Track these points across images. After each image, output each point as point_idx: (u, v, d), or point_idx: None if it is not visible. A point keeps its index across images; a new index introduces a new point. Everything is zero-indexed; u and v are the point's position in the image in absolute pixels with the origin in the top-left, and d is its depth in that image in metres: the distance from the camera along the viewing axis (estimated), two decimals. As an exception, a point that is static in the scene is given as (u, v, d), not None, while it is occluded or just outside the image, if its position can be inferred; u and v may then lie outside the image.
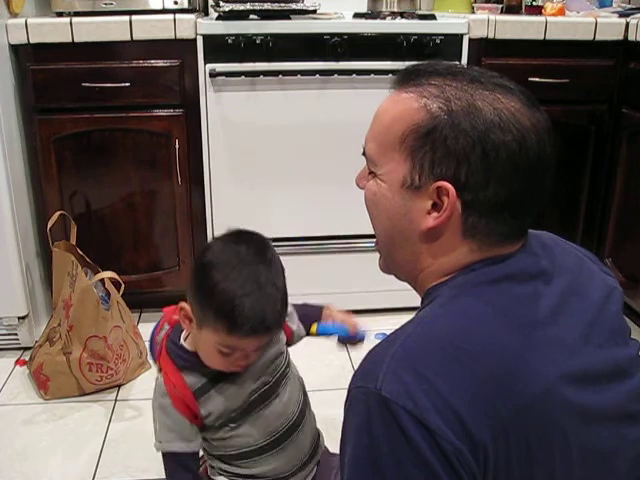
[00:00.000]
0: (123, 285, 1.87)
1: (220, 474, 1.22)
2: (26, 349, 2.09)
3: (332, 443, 1.28)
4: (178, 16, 2.00)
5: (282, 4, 2.06)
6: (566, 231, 2.24)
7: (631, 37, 2.11)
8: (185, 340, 1.15)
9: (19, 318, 2.06)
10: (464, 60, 2.09)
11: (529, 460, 0.70)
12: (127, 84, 2.02)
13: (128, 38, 1.99)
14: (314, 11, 2.11)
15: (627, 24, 2.12)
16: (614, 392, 0.78)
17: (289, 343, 1.25)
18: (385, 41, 2.05)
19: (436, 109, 0.75)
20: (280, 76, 2.02)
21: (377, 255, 0.90)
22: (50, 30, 1.96)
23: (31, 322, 2.10)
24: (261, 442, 1.17)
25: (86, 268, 1.95)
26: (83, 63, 2.00)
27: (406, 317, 0.78)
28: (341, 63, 2.04)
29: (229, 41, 1.99)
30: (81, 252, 2.00)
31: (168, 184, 2.15)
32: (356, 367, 0.75)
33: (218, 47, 2.00)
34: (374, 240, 0.89)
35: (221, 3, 2.04)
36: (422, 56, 2.00)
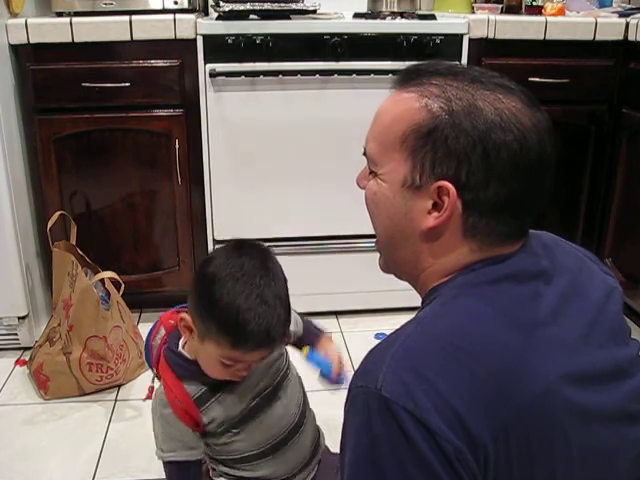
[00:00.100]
0: (123, 285, 1.87)
1: (221, 476, 1.22)
2: (26, 349, 2.09)
3: (332, 443, 1.29)
4: (178, 16, 2.00)
5: (282, 4, 2.06)
6: (566, 231, 2.25)
7: (631, 37, 2.11)
8: (184, 347, 1.14)
9: (19, 318, 2.06)
10: (464, 60, 2.10)
11: (529, 460, 0.70)
12: (127, 84, 2.02)
13: (128, 38, 1.99)
14: (314, 11, 2.11)
15: (627, 24, 2.12)
16: (614, 392, 0.78)
17: (287, 342, 1.25)
18: (385, 41, 2.05)
19: (437, 109, 0.75)
20: (280, 76, 2.02)
21: (377, 255, 0.90)
22: (50, 30, 1.96)
23: (31, 322, 2.10)
24: (263, 446, 1.16)
25: (86, 268, 1.95)
26: (83, 63, 2.00)
27: (406, 317, 0.78)
28: (341, 63, 2.04)
29: (229, 41, 1.99)
30: (81, 252, 2.00)
31: (168, 184, 2.15)
32: (356, 367, 0.75)
33: (218, 47, 2.00)
34: (374, 240, 0.89)
35: (221, 3, 2.04)
36: (422, 56, 2.00)
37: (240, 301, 0.98)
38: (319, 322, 1.34)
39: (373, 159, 0.81)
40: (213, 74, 2.01)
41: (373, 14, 2.19)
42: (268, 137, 2.10)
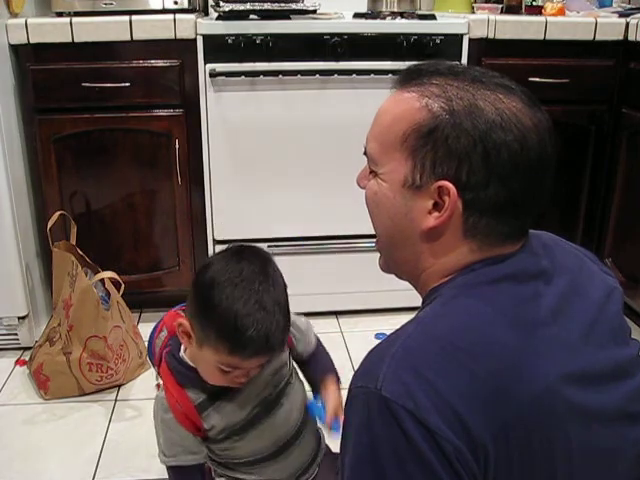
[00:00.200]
0: (123, 285, 1.87)
1: (222, 476, 1.21)
2: (26, 349, 2.09)
3: (333, 443, 1.29)
4: (178, 16, 2.00)
5: (282, 4, 2.06)
6: (566, 231, 2.25)
7: (631, 37, 2.11)
8: (185, 352, 1.13)
9: (19, 318, 2.06)
10: (464, 60, 2.10)
11: (529, 460, 0.70)
12: (127, 84, 2.02)
13: (128, 38, 1.99)
14: (314, 11, 2.11)
15: (627, 24, 2.12)
16: (614, 392, 0.78)
17: (291, 350, 1.23)
18: (385, 41, 2.05)
19: (438, 109, 0.75)
20: (280, 76, 2.02)
21: (377, 255, 0.90)
22: (50, 30, 1.96)
23: (31, 322, 2.10)
24: (265, 452, 1.16)
25: (86, 268, 1.95)
26: (83, 63, 2.00)
27: (406, 317, 0.78)
28: (341, 63, 2.04)
29: (229, 41, 1.99)
30: (81, 252, 2.00)
31: (168, 184, 2.15)
32: (356, 367, 0.75)
33: (218, 47, 2.00)
34: (374, 240, 0.89)
35: (221, 3, 2.04)
36: (422, 56, 2.00)
37: (239, 306, 0.97)
38: (330, 359, 1.29)
39: (373, 159, 0.81)
40: (213, 74, 2.01)
41: (373, 14, 2.19)
42: (268, 137, 2.10)
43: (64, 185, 2.11)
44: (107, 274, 1.86)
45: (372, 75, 2.04)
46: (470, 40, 2.09)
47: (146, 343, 2.00)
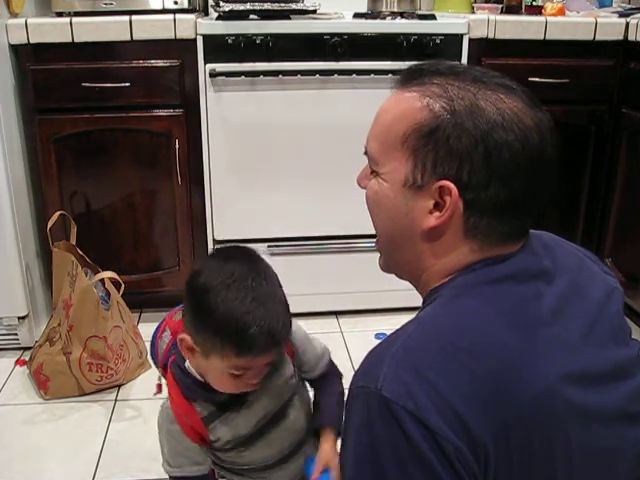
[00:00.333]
0: (123, 285, 1.87)
1: (223, 477, 1.21)
2: (26, 349, 2.09)
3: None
4: (178, 16, 2.00)
5: (282, 4, 2.06)
6: (566, 231, 2.25)
7: (631, 37, 2.11)
8: (190, 363, 1.10)
9: (19, 318, 2.06)
10: (464, 60, 2.10)
11: (529, 460, 0.70)
12: (127, 84, 2.02)
13: (128, 38, 1.99)
14: (314, 11, 2.11)
15: (627, 24, 2.12)
16: (615, 392, 0.78)
17: (293, 358, 1.19)
18: (385, 41, 2.05)
19: (439, 108, 0.75)
20: (280, 76, 2.02)
21: (377, 255, 0.90)
22: (50, 30, 1.96)
23: (31, 322, 2.10)
24: (270, 460, 1.15)
25: (86, 268, 1.95)
26: (83, 63, 2.00)
27: (406, 317, 0.78)
28: (341, 63, 2.04)
29: (229, 41, 1.99)
30: (81, 252, 2.00)
31: (168, 184, 2.15)
32: (356, 367, 0.75)
33: (218, 47, 2.00)
34: (374, 240, 0.89)
35: (221, 3, 2.04)
36: (422, 56, 2.00)
37: (236, 307, 0.95)
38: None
39: (374, 158, 0.81)
40: (213, 74, 2.01)
41: (373, 14, 2.19)
42: (268, 137, 2.10)
43: (64, 185, 2.11)
44: (107, 274, 1.86)
45: (372, 75, 2.04)
46: (470, 40, 2.09)
47: (146, 343, 2.02)
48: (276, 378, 1.12)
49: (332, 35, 2.02)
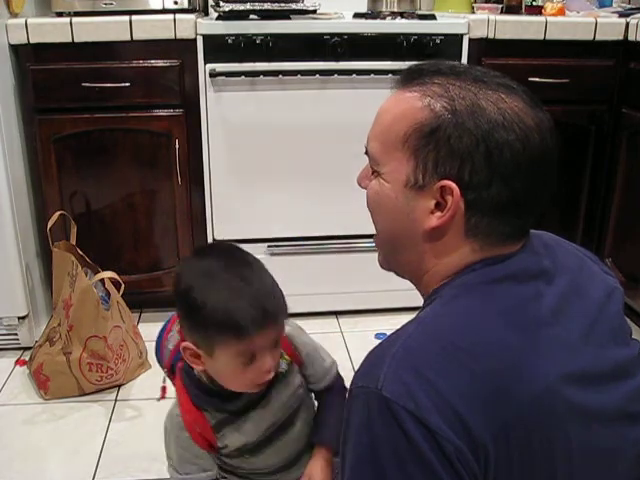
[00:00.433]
0: (123, 285, 1.87)
1: (225, 478, 1.21)
2: (26, 349, 2.09)
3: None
4: (178, 16, 2.00)
5: (282, 4, 2.06)
6: (566, 231, 2.24)
7: (631, 37, 2.11)
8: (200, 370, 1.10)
9: (19, 318, 2.06)
10: (464, 60, 2.10)
11: (529, 460, 0.70)
12: (127, 84, 2.02)
13: (128, 38, 1.99)
14: (314, 11, 2.11)
15: (627, 24, 2.12)
16: (615, 392, 0.78)
17: (301, 368, 1.18)
18: (385, 41, 2.05)
19: (440, 108, 0.75)
20: (280, 76, 2.02)
21: (377, 255, 0.90)
22: (50, 30, 1.96)
23: (31, 322, 2.10)
24: (274, 467, 1.15)
25: (86, 268, 1.95)
26: (83, 63, 2.00)
27: (406, 317, 0.78)
28: (341, 63, 2.04)
29: (229, 41, 1.99)
30: (81, 252, 2.00)
31: (168, 184, 2.15)
32: (356, 367, 0.75)
33: (218, 47, 2.00)
34: (374, 240, 0.89)
35: (221, 3, 2.04)
36: (422, 56, 2.00)
37: (222, 294, 0.96)
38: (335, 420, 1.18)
39: (375, 158, 0.81)
40: (213, 74, 2.01)
41: (373, 14, 2.19)
42: (268, 137, 2.10)
43: (64, 185, 2.11)
44: (107, 274, 1.86)
45: (372, 75, 2.04)
46: (470, 40, 2.09)
47: (146, 343, 2.02)
48: (285, 387, 1.12)
49: (332, 35, 2.02)
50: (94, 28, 1.97)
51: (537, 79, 2.11)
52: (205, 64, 2.02)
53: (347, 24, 2.08)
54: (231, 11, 2.01)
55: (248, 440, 1.10)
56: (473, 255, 0.78)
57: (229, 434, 1.09)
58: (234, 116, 2.07)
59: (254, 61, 2.01)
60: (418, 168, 0.76)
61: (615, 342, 0.82)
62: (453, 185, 0.74)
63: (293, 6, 2.08)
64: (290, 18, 2.08)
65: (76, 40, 1.98)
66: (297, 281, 2.16)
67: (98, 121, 2.06)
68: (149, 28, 1.99)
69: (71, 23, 1.96)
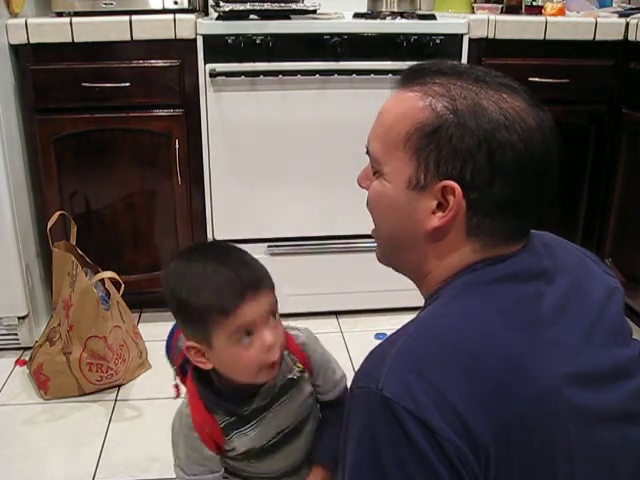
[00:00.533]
0: (123, 285, 1.87)
1: (226, 478, 1.21)
2: (26, 349, 2.09)
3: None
4: (178, 16, 2.00)
5: (282, 4, 2.06)
6: (566, 231, 2.23)
7: (631, 37, 2.11)
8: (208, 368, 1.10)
9: (19, 318, 2.06)
10: (464, 60, 2.10)
11: (530, 460, 0.70)
12: (127, 84, 2.02)
13: (128, 38, 1.99)
14: (314, 11, 2.11)
15: (627, 24, 2.12)
16: (615, 392, 0.78)
17: (311, 373, 1.17)
18: (385, 41, 2.05)
19: (441, 108, 0.75)
20: (280, 76, 2.02)
21: (375, 251, 0.90)
22: (50, 30, 1.96)
23: (31, 322, 2.10)
24: (276, 473, 1.15)
25: (86, 268, 1.95)
26: (83, 63, 2.00)
27: (406, 317, 0.78)
28: (341, 63, 2.04)
29: (229, 41, 1.99)
30: (81, 252, 2.00)
31: (168, 184, 2.15)
32: (356, 367, 0.75)
33: (218, 47, 2.00)
34: (374, 240, 0.89)
35: (221, 3, 2.04)
36: (422, 56, 2.00)
37: (202, 280, 0.99)
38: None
39: (376, 158, 0.81)
40: (213, 74, 2.01)
41: (373, 14, 2.19)
42: (268, 137, 2.10)
43: (64, 185, 2.11)
44: (107, 274, 1.86)
45: (372, 75, 2.04)
46: (470, 40, 2.09)
47: (146, 343, 2.02)
48: (297, 394, 1.12)
49: (332, 35, 2.02)
50: (94, 28, 1.97)
51: (537, 79, 2.11)
52: (205, 64, 2.02)
53: (347, 24, 2.08)
54: (231, 11, 2.01)
55: (255, 445, 1.10)
56: (474, 255, 0.78)
57: (238, 438, 1.09)
58: (234, 116, 2.07)
59: (254, 61, 2.01)
60: (420, 168, 0.76)
61: (615, 342, 0.82)
62: (455, 185, 0.74)
63: (293, 6, 2.08)
64: (290, 18, 2.08)
65: (76, 40, 1.98)
66: (297, 281, 2.16)
67: (98, 121, 2.06)
68: (149, 28, 1.99)
69: (71, 23, 1.96)
